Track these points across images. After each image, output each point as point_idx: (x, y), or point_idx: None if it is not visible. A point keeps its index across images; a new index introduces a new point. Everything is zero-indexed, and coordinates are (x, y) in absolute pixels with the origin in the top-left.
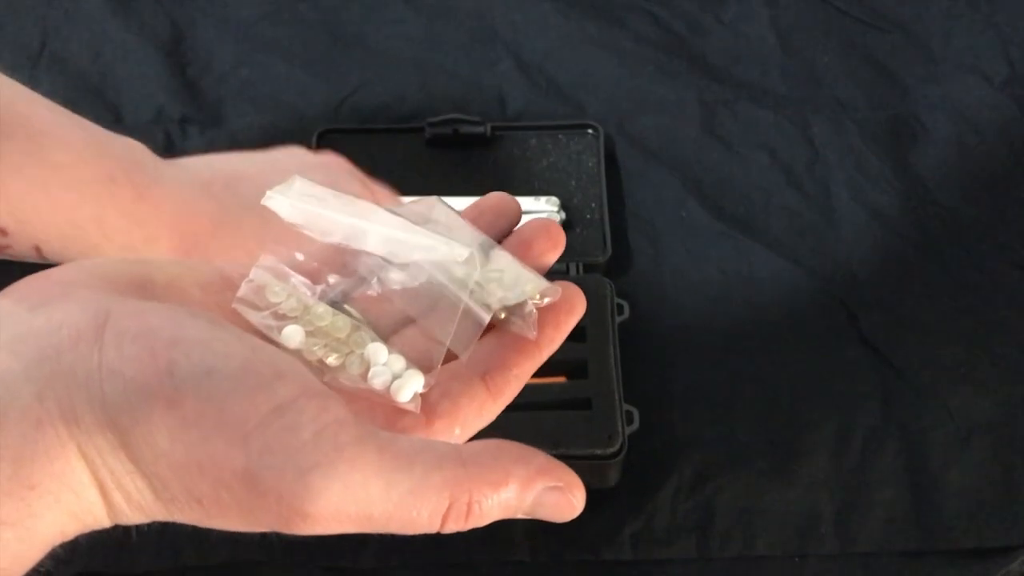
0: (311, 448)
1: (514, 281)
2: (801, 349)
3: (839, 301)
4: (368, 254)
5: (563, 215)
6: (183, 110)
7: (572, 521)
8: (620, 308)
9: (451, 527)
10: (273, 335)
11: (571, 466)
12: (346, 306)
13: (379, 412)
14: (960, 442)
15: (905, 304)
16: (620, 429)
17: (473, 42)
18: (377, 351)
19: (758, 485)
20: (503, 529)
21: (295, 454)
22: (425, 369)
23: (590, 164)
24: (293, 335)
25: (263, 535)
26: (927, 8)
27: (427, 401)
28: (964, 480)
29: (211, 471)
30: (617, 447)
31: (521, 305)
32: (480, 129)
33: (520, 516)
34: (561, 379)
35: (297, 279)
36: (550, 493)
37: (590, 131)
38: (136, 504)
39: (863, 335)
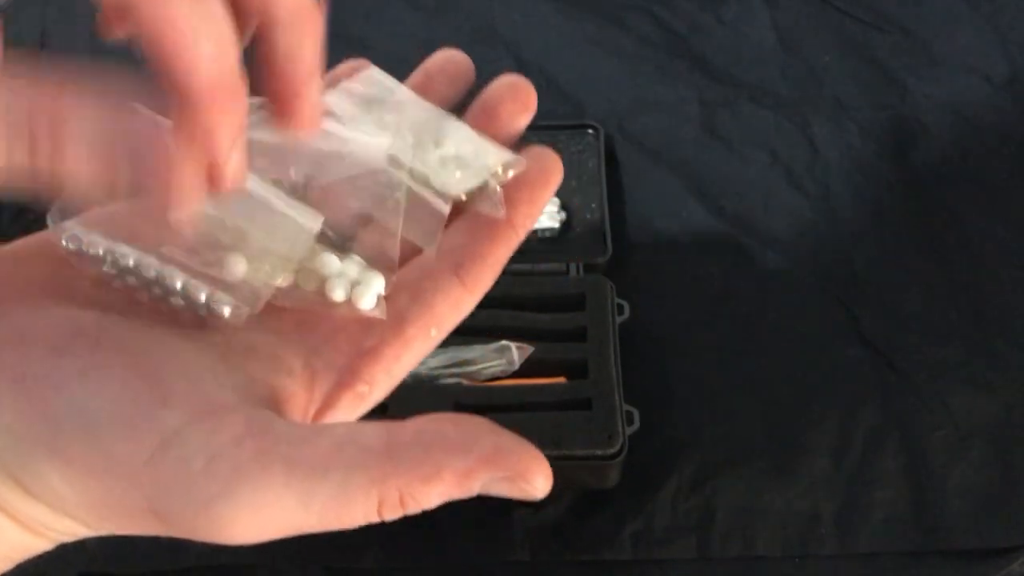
0: (206, 478)
1: (475, 157)
2: (801, 349)
3: (839, 301)
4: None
5: (563, 215)
6: None
7: (572, 522)
8: (620, 308)
9: (390, 517)
10: (212, 271)
11: (571, 467)
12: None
13: (342, 338)
14: (960, 442)
15: (906, 304)
16: (620, 429)
17: (473, 42)
18: (328, 261)
19: (758, 485)
20: (503, 529)
21: (191, 488)
22: (389, 270)
23: (590, 164)
24: (236, 265)
25: None
26: (927, 8)
27: (395, 307)
28: (964, 480)
29: (116, 509)
30: (617, 447)
31: (483, 184)
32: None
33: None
34: (561, 379)
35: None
36: (499, 483)
37: (590, 131)
38: (66, 532)
39: (863, 335)
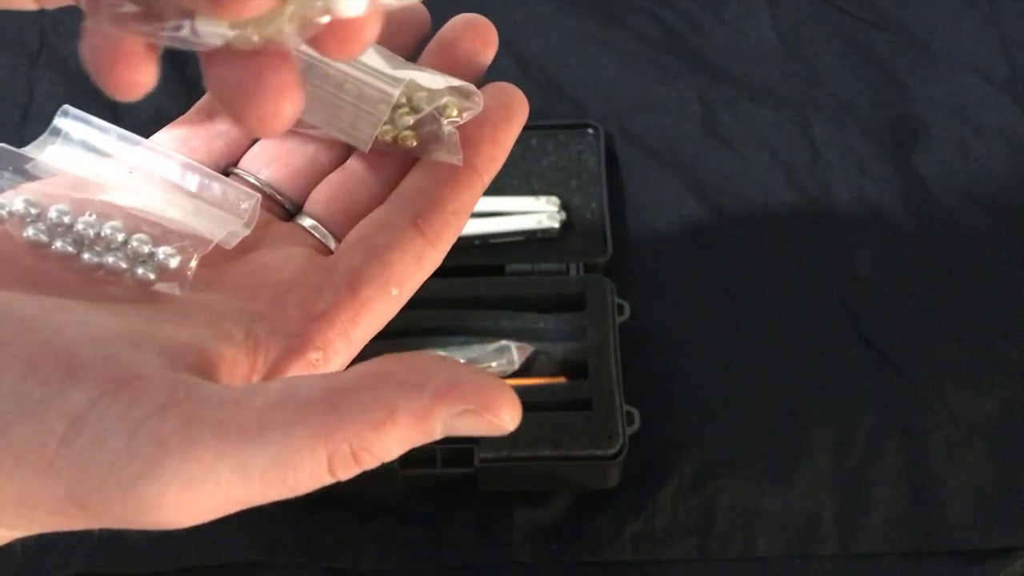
0: (127, 457)
1: (429, 101)
2: (802, 349)
3: (840, 301)
4: None
5: (563, 215)
6: (182, 110)
7: (572, 522)
8: (620, 308)
9: (344, 475)
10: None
11: (572, 467)
12: None
13: (291, 301)
14: (961, 442)
15: (906, 304)
16: (620, 430)
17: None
18: None
19: (759, 485)
20: (503, 529)
21: (111, 469)
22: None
23: (590, 164)
24: (207, 26)
25: (264, 535)
26: (928, 7)
27: (348, 266)
28: (965, 481)
29: (37, 504)
30: (618, 448)
31: (434, 128)
32: None
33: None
34: (561, 379)
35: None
36: (462, 418)
37: (590, 130)
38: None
39: (864, 335)
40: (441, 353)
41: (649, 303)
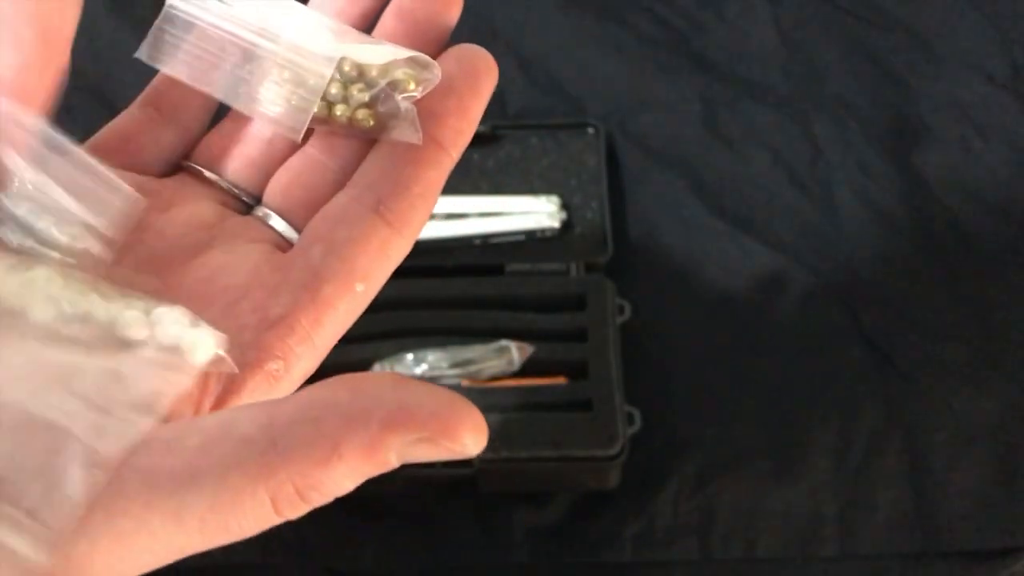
0: (48, 517)
1: (383, 74)
2: (803, 349)
3: (841, 301)
4: None
5: (564, 215)
6: None
7: (573, 523)
8: (621, 308)
9: (293, 514)
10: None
11: (572, 468)
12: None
13: (244, 308)
14: (963, 443)
15: (908, 304)
16: (621, 430)
17: (473, 39)
18: (123, 318)
19: (760, 486)
20: (503, 530)
21: (35, 532)
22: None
23: (591, 163)
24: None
25: (264, 535)
26: (929, 6)
27: (308, 264)
28: (967, 481)
29: None
30: (618, 448)
31: (391, 105)
32: (480, 128)
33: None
34: (561, 380)
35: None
36: (417, 447)
37: (591, 130)
38: None
39: (865, 335)
40: (444, 354)
41: (649, 303)
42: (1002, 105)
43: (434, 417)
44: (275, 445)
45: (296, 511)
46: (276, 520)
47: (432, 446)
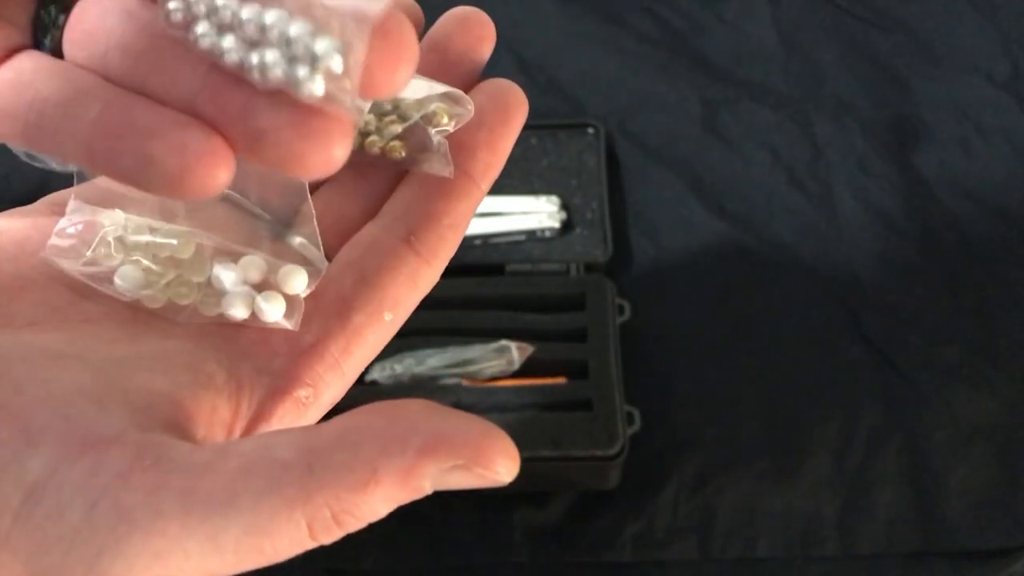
0: (88, 532)
1: (417, 108)
2: (803, 349)
3: (841, 301)
4: None
5: (564, 214)
6: None
7: (573, 522)
8: (621, 308)
9: (327, 539)
10: (104, 288)
11: (572, 467)
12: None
13: (277, 336)
14: (962, 443)
15: (907, 304)
16: (621, 430)
17: None
18: (222, 274)
19: (760, 486)
20: (503, 530)
21: (71, 544)
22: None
23: (591, 163)
24: (128, 277)
25: None
26: (929, 6)
27: (338, 292)
28: (966, 481)
29: None
30: (618, 448)
31: (423, 138)
32: None
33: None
34: (561, 380)
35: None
36: (452, 474)
37: (591, 130)
38: None
39: (865, 335)
40: (444, 354)
41: (649, 303)
42: (1002, 105)
43: (469, 444)
44: (312, 470)
45: (331, 536)
46: (311, 544)
47: (466, 473)
